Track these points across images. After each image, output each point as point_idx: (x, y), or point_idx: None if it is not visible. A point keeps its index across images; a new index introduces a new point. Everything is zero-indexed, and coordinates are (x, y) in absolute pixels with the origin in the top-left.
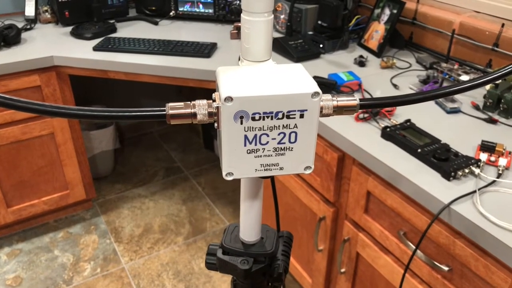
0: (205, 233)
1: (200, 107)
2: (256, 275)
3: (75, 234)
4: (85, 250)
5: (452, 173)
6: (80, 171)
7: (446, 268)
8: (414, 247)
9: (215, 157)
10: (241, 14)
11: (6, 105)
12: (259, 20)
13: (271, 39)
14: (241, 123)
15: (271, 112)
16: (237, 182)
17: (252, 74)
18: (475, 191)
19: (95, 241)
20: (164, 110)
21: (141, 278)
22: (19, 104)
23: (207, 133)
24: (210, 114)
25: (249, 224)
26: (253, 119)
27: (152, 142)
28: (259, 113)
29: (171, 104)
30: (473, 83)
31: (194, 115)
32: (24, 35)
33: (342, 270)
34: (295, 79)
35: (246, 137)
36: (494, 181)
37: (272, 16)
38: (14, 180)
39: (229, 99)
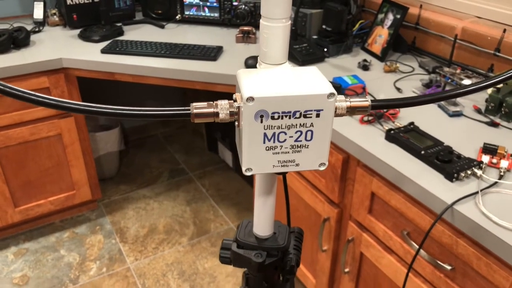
0: (209, 234)
1: (222, 106)
2: (269, 268)
3: (81, 234)
4: (91, 250)
5: (455, 175)
6: (86, 172)
7: (449, 267)
8: (417, 246)
9: (218, 159)
10: (260, 20)
11: (42, 103)
12: (277, 25)
13: (288, 43)
14: (261, 121)
15: (289, 112)
16: (240, 184)
17: (271, 76)
18: (477, 192)
19: (100, 241)
20: (189, 109)
21: (146, 278)
22: (48, 101)
23: (211, 136)
24: (232, 114)
25: (263, 219)
26: (273, 118)
27: (156, 144)
28: (278, 113)
29: (195, 104)
30: (480, 85)
31: (216, 114)
32: (33, 37)
33: (346, 270)
34: (311, 81)
35: (265, 135)
36: (496, 183)
37: (290, 22)
38: (21, 180)
39: (250, 99)
